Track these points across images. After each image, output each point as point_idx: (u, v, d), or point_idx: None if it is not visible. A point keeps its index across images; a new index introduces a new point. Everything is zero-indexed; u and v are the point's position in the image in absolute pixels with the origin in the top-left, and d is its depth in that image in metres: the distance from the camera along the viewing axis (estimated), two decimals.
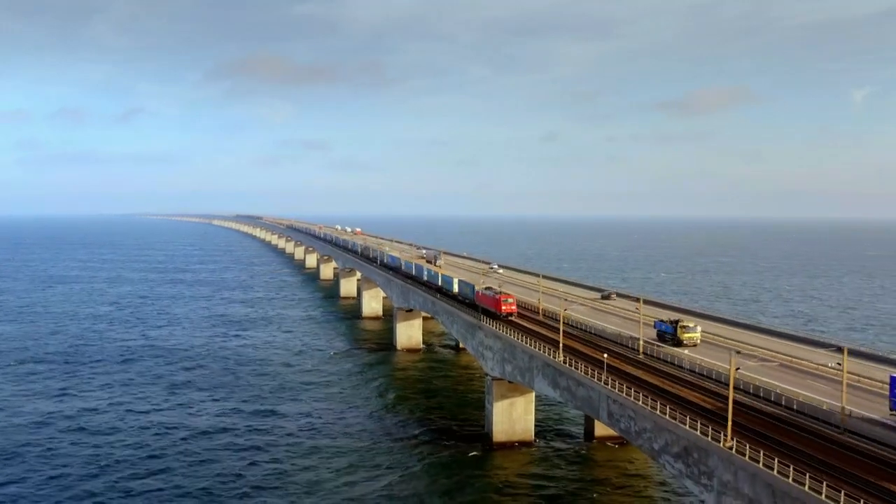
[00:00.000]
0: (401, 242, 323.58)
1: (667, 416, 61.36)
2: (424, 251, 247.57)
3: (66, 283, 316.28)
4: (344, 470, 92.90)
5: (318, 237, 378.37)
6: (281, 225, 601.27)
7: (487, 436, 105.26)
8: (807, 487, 46.49)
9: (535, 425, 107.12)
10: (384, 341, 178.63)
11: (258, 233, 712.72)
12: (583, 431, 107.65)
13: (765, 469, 50.01)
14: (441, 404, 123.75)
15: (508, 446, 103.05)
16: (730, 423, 55.17)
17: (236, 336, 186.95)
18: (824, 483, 46.08)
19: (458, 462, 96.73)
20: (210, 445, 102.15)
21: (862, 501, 44.52)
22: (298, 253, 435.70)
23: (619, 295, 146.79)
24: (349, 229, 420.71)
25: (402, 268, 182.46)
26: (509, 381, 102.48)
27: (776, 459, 49.91)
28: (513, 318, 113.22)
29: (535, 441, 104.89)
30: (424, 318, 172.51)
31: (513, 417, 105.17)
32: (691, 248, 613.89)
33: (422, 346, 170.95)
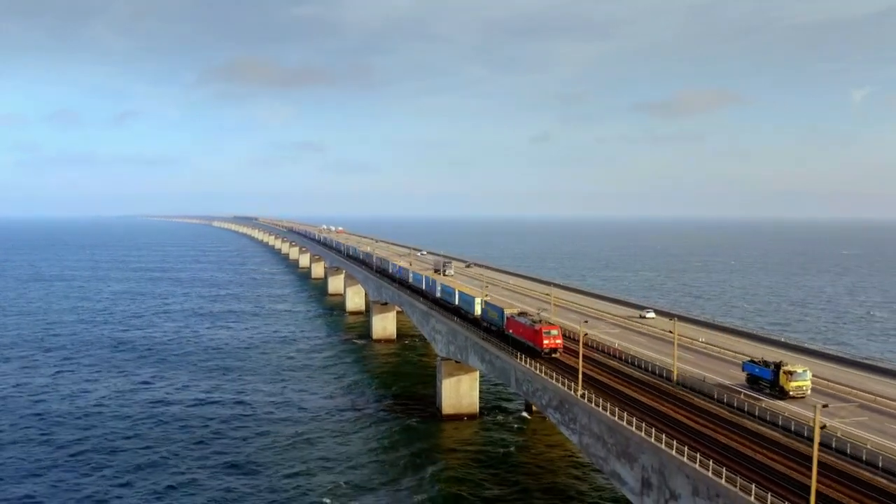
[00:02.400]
0: (383, 241, 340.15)
1: (544, 376, 77.99)
2: (432, 258, 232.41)
3: (64, 280, 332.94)
4: (308, 437, 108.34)
5: (309, 238, 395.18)
6: (276, 226, 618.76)
7: (438, 409, 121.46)
8: (630, 425, 62.74)
9: (482, 401, 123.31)
10: (362, 332, 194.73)
11: (256, 234, 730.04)
12: (523, 407, 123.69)
13: (601, 411, 66.46)
14: (402, 384, 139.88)
15: (456, 418, 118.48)
16: (580, 375, 71.56)
17: (226, 327, 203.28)
18: (644, 423, 62.30)
19: (411, 430, 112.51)
20: (181, 416, 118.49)
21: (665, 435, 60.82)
22: (293, 253, 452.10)
23: (458, 260, 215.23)
24: (333, 228, 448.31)
25: (411, 281, 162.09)
26: (456, 361, 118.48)
27: (610, 404, 66.24)
28: (558, 356, 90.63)
29: (479, 414, 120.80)
30: (399, 312, 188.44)
31: (459, 393, 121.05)
32: (677, 249, 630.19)
33: (395, 336, 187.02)
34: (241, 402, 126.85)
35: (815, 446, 46.10)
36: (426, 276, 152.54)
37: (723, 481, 50.01)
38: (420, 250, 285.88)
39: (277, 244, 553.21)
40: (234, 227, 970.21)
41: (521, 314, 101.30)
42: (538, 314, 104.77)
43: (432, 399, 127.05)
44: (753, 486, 48.08)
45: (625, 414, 64.10)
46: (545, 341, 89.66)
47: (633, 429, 60.64)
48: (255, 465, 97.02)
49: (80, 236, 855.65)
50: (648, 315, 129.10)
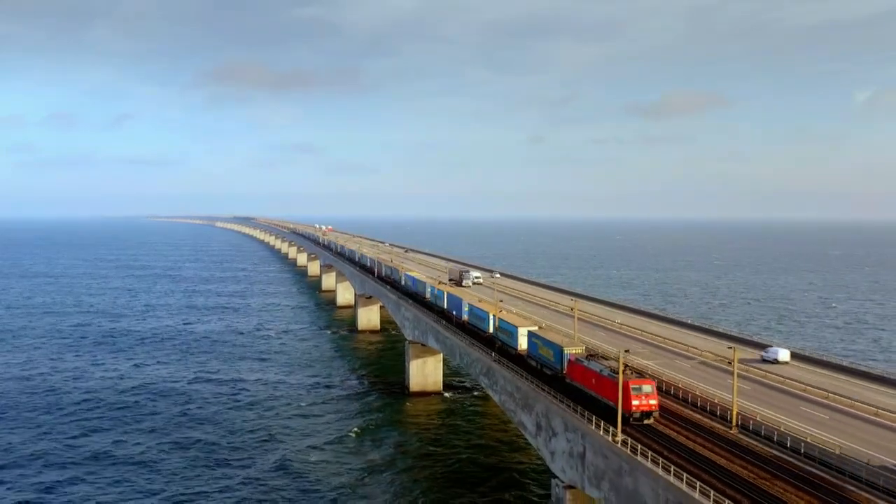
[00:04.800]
0: (372, 240, 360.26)
1: (475, 350, 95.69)
2: (449, 266, 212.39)
3: (67, 277, 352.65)
4: (284, 410, 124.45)
5: (306, 237, 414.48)
6: (274, 226, 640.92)
7: (406, 387, 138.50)
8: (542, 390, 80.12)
9: (446, 381, 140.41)
10: (349, 324, 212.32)
11: (255, 233, 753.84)
12: (482, 386, 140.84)
13: (510, 372, 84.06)
14: (378, 367, 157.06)
15: (422, 395, 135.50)
16: (496, 348, 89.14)
17: (220, 319, 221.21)
18: (548, 389, 79.53)
19: (380, 405, 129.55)
20: (169, 391, 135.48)
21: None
22: (292, 252, 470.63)
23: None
24: (323, 227, 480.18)
25: (428, 296, 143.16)
26: (422, 344, 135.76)
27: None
28: (652, 422, 66.12)
29: (442, 392, 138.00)
30: (382, 307, 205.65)
31: (425, 373, 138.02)
32: (667, 249, 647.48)
33: (379, 327, 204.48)
34: (224, 381, 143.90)
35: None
36: (448, 293, 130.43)
37: (569, 412, 67.75)
38: (383, 242, 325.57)
39: (276, 243, 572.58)
40: (234, 227, 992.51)
41: (592, 356, 75.75)
42: (618, 358, 68.42)
43: (401, 377, 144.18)
44: (586, 413, 65.79)
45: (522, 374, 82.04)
46: (634, 401, 64.73)
47: (528, 384, 78.41)
48: (229, 430, 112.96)
49: (83, 236, 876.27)
50: (496, 276, 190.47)
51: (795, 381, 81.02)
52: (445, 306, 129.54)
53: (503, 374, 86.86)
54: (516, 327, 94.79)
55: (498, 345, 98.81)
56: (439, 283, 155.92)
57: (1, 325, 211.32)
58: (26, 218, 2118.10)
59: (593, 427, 64.25)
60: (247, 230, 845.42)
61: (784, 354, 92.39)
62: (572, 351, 78.90)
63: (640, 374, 70.86)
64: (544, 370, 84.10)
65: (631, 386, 65.21)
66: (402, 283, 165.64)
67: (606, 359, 75.21)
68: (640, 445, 57.81)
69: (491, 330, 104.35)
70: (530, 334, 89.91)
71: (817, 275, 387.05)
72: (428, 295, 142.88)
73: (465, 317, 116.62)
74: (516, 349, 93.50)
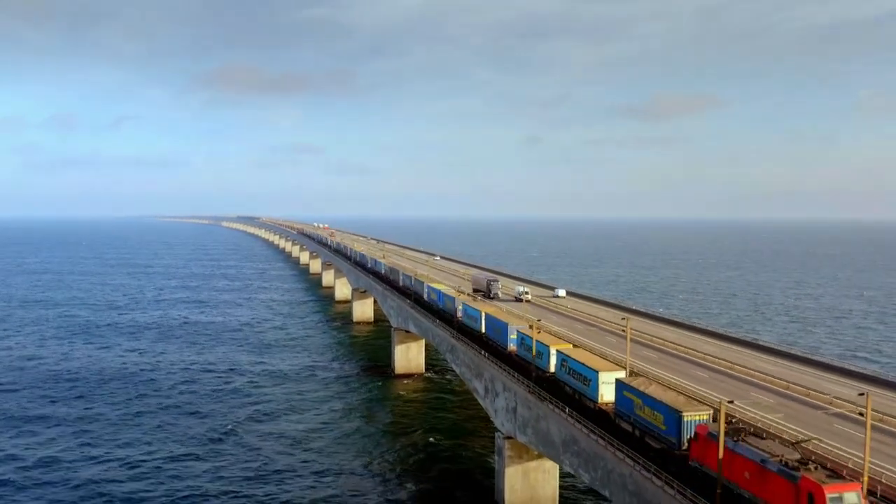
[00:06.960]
0: (362, 236, 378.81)
1: (441, 330, 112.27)
2: (473, 272, 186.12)
3: (72, 274, 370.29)
4: (276, 390, 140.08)
5: (310, 237, 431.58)
6: (277, 225, 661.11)
7: (392, 369, 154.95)
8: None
9: (428, 364, 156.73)
10: (345, 316, 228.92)
11: (259, 232, 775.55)
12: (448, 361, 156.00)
13: (466, 346, 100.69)
14: (368, 353, 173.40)
15: (406, 376, 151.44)
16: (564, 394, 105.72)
17: (223, 313, 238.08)
18: (494, 359, 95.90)
19: (369, 384, 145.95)
20: (169, 373, 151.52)
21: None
22: (295, 251, 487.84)
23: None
24: (321, 226, 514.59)
25: (459, 315, 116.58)
26: (406, 331, 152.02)
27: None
28: None
29: (424, 373, 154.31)
30: (375, 301, 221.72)
31: (409, 357, 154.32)
32: (662, 249, 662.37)
33: (372, 319, 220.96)
34: (222, 364, 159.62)
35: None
36: (487, 314, 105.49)
37: (506, 375, 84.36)
38: (366, 236, 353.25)
39: (279, 241, 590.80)
40: (240, 226, 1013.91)
41: (739, 432, 50.21)
42: (797, 448, 48.93)
43: (387, 361, 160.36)
44: (511, 372, 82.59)
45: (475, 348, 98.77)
46: None
47: (481, 357, 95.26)
48: (225, 403, 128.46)
49: (84, 236, 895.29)
50: (437, 258, 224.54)
51: (566, 306, 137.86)
52: (483, 330, 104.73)
53: (462, 349, 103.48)
54: (597, 372, 69.97)
55: (568, 391, 75.61)
56: (472, 297, 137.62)
57: (12, 316, 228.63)
58: (30, 217, 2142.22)
59: (521, 386, 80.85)
60: (252, 230, 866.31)
61: (562, 292, 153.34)
62: (696, 417, 54.31)
63: (834, 471, 44.37)
64: (646, 440, 59.16)
65: (827, 495, 40.69)
66: (426, 296, 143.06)
67: (760, 436, 50.46)
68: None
69: (552, 369, 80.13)
70: (620, 385, 64.91)
71: (802, 273, 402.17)
72: (459, 314, 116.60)
73: (511, 346, 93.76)
74: (596, 402, 69.56)
